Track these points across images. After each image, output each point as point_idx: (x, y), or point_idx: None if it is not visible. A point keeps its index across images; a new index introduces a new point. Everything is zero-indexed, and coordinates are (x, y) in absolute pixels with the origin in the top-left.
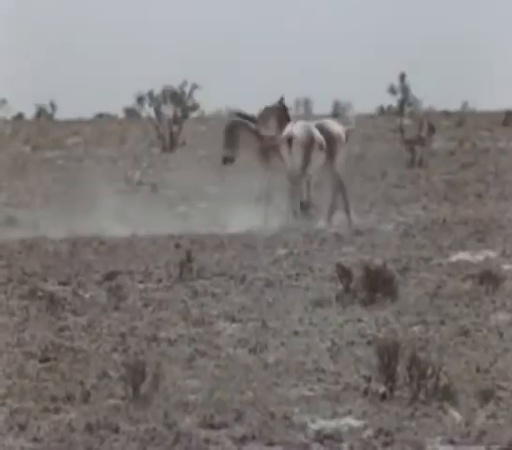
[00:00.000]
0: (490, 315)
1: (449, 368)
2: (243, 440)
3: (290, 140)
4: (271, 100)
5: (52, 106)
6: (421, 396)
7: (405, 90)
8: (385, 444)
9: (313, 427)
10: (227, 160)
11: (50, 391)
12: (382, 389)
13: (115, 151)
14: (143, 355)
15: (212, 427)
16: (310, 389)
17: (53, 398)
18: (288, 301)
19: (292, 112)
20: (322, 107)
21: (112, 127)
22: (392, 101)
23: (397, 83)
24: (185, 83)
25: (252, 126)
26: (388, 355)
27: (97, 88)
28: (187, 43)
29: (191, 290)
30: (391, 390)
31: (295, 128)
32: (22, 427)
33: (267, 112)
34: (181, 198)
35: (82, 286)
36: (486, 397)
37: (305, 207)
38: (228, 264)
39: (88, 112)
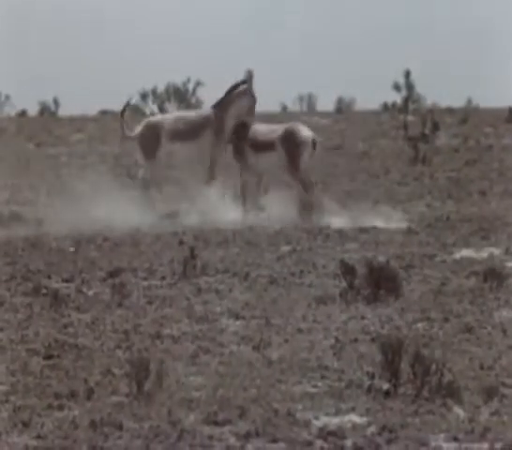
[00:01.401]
0: (494, 312)
1: (453, 365)
2: (247, 436)
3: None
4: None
5: (56, 103)
6: (425, 392)
7: (410, 87)
8: (389, 441)
9: (317, 423)
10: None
11: (53, 388)
12: (385, 386)
13: (119, 148)
14: (147, 352)
15: (216, 423)
16: (314, 386)
17: (57, 395)
18: (291, 298)
19: (296, 109)
20: (325, 103)
21: (115, 124)
22: (396, 98)
23: (401, 80)
24: (188, 80)
25: None
26: (392, 352)
27: (100, 85)
28: (190, 40)
29: (195, 287)
30: (395, 387)
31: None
32: (26, 424)
33: (229, 94)
34: (185, 195)
35: (85, 283)
36: (490, 393)
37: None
38: (232, 261)
39: (92, 109)
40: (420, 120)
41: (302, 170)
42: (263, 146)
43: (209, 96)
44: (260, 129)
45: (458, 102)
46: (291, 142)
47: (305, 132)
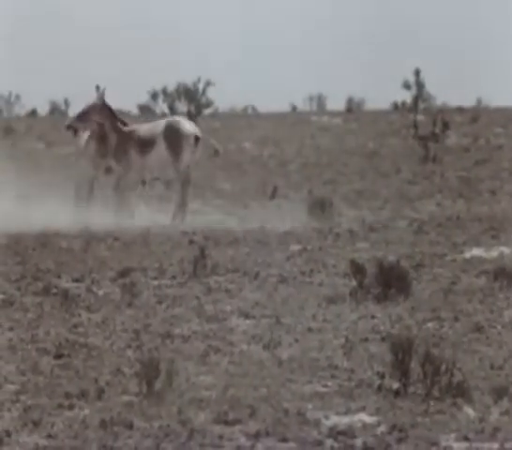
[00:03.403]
0: (505, 311)
1: (463, 365)
2: (257, 436)
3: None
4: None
5: (66, 102)
6: (435, 392)
7: (419, 86)
8: (399, 441)
9: (327, 423)
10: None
11: (64, 387)
12: (395, 385)
13: None
14: (157, 352)
15: (226, 423)
16: (324, 385)
17: (67, 395)
18: (302, 297)
19: (306, 108)
20: (335, 103)
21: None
22: (406, 97)
23: (411, 79)
24: (198, 80)
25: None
26: (402, 352)
27: (110, 84)
28: (200, 40)
29: (205, 286)
30: (405, 386)
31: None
32: (36, 424)
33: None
34: (195, 194)
35: (95, 283)
36: (500, 393)
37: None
38: (242, 261)
39: None
40: (430, 119)
41: (183, 165)
42: (147, 144)
43: (219, 95)
44: (139, 128)
45: (468, 102)
46: (173, 137)
47: (187, 126)
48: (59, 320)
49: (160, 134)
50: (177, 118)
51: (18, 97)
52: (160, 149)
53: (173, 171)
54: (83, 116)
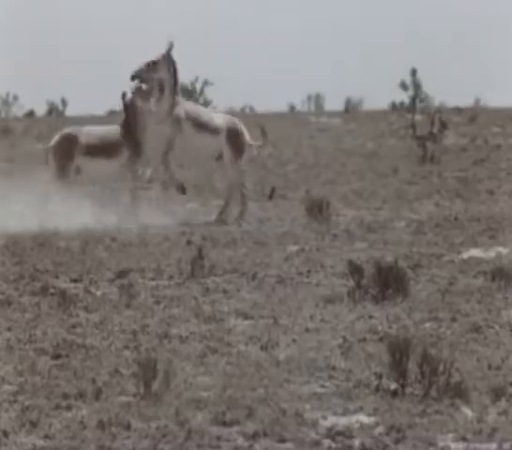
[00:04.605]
0: (502, 311)
1: (461, 365)
2: (254, 436)
3: None
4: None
5: (64, 103)
6: (433, 392)
7: (417, 86)
8: (397, 441)
9: (325, 423)
10: None
11: (61, 388)
12: (393, 386)
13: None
14: (155, 352)
15: (224, 423)
16: (322, 386)
17: (65, 396)
18: (299, 298)
19: (305, 109)
20: (334, 103)
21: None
22: (404, 97)
23: (408, 79)
24: (196, 80)
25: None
26: (400, 352)
27: (108, 85)
28: (198, 40)
29: (203, 287)
30: (402, 387)
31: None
32: (34, 425)
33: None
34: (192, 195)
35: (93, 283)
36: (498, 393)
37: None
38: (239, 261)
39: (100, 109)
40: (428, 119)
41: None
42: (209, 128)
43: (217, 95)
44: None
45: (466, 102)
46: (237, 137)
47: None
48: (57, 320)
49: (223, 132)
50: (233, 118)
51: (15, 97)
52: (221, 139)
53: (232, 169)
54: None
